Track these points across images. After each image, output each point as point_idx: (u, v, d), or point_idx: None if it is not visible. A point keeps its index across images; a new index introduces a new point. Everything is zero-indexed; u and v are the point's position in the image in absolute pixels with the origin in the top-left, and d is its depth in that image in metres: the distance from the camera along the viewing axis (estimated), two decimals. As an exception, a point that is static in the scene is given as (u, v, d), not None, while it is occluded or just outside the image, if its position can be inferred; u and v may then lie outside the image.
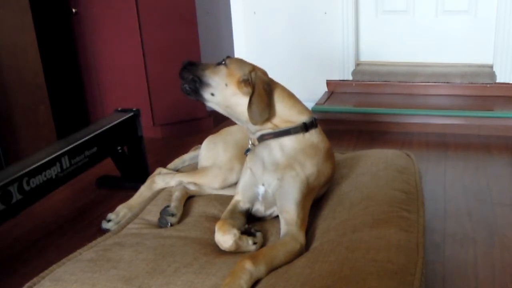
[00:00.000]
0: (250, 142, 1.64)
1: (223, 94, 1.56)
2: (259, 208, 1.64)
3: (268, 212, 1.65)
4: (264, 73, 1.62)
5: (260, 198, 1.62)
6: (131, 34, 3.34)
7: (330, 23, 3.78)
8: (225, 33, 3.95)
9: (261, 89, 1.53)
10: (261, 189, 1.61)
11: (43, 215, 2.49)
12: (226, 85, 1.56)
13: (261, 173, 1.59)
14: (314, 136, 1.60)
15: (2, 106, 2.79)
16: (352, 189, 1.77)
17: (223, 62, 1.59)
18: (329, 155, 1.66)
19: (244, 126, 1.63)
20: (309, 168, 1.56)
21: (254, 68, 1.58)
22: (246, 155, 1.68)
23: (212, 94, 1.58)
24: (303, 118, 1.59)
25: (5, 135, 2.81)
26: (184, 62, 1.64)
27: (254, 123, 1.53)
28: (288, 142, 1.56)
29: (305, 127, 1.58)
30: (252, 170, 1.62)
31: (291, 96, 1.62)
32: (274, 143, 1.57)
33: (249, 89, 1.53)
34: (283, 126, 1.56)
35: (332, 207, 1.69)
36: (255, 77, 1.54)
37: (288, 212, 1.52)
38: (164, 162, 2.28)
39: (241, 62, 1.60)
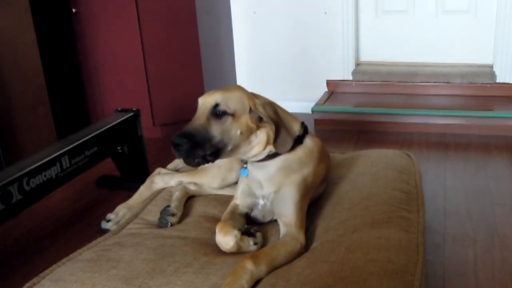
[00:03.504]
0: (245, 165, 1.58)
1: (239, 142, 1.44)
2: (257, 215, 1.64)
3: (267, 219, 1.64)
4: (262, 99, 1.52)
5: (260, 207, 1.61)
6: (131, 34, 3.34)
7: (330, 23, 3.78)
8: (225, 33, 3.95)
9: (274, 118, 1.45)
10: (261, 202, 1.60)
11: (43, 215, 2.49)
12: (241, 133, 1.43)
13: (260, 190, 1.57)
14: (308, 143, 1.58)
15: (2, 106, 2.79)
16: (352, 189, 1.77)
17: (220, 112, 1.40)
18: (322, 156, 1.65)
19: (245, 157, 1.53)
20: (305, 170, 1.55)
21: (254, 99, 1.47)
22: (242, 176, 1.60)
23: (231, 149, 1.44)
24: (296, 130, 1.55)
25: (5, 135, 2.81)
26: (181, 142, 1.36)
27: (283, 151, 1.48)
28: (284, 156, 1.53)
29: (299, 140, 1.55)
30: (250, 187, 1.60)
31: (284, 111, 1.58)
32: (271, 162, 1.53)
33: (271, 126, 1.44)
34: None
35: (332, 207, 1.69)
36: (264, 110, 1.44)
37: (286, 216, 1.52)
38: (164, 162, 2.28)
39: (237, 99, 1.44)
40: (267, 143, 1.48)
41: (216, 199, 1.86)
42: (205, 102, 1.44)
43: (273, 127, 1.45)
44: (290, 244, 1.44)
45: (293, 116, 1.60)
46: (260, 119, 1.46)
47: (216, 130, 1.40)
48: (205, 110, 1.42)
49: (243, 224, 1.59)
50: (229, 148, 1.43)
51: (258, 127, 1.46)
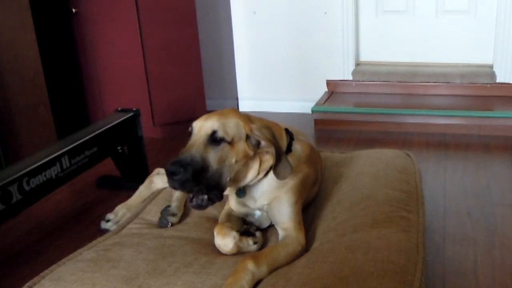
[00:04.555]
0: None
1: (236, 170, 1.39)
2: (254, 223, 1.63)
3: (264, 226, 1.64)
4: (258, 122, 1.45)
5: (256, 217, 1.61)
6: (131, 34, 3.34)
7: (330, 23, 3.78)
8: (225, 33, 3.95)
9: (273, 142, 1.39)
10: (257, 213, 1.59)
11: (43, 215, 2.49)
12: (236, 161, 1.37)
13: (254, 204, 1.56)
14: (297, 149, 1.57)
15: (2, 106, 2.79)
16: (352, 189, 1.77)
17: (218, 138, 1.34)
18: (312, 159, 1.63)
19: (241, 185, 1.48)
20: (297, 176, 1.54)
21: (250, 124, 1.40)
22: (239, 197, 1.54)
23: (230, 180, 1.40)
24: (284, 141, 1.52)
25: (5, 135, 2.81)
26: (177, 172, 1.29)
27: (282, 179, 1.42)
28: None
29: (288, 149, 1.53)
30: (245, 203, 1.58)
31: (273, 124, 1.53)
32: (264, 179, 1.50)
33: (271, 148, 1.38)
34: (270, 161, 1.44)
35: (332, 207, 1.69)
36: (261, 133, 1.38)
37: (284, 223, 1.51)
38: (164, 162, 2.26)
39: (234, 124, 1.38)
40: (260, 168, 1.45)
41: (216, 199, 1.85)
42: (201, 127, 1.36)
43: (274, 150, 1.38)
44: (291, 245, 1.44)
45: (278, 125, 1.56)
46: (258, 146, 1.41)
47: (213, 158, 1.33)
48: (201, 136, 1.35)
49: (242, 225, 1.58)
50: (227, 179, 1.37)
51: (256, 154, 1.42)
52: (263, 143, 1.40)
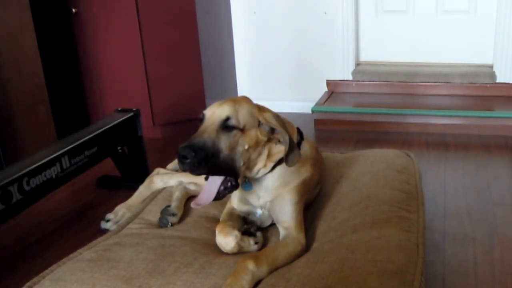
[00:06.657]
0: (246, 179, 1.53)
1: (248, 157, 1.41)
2: (255, 221, 1.63)
3: (265, 225, 1.64)
4: (270, 112, 1.47)
5: (257, 215, 1.61)
6: (131, 34, 3.34)
7: (330, 23, 3.78)
8: (225, 33, 3.95)
9: (286, 129, 1.42)
10: (259, 212, 1.60)
11: (43, 215, 2.49)
12: (249, 148, 1.39)
13: (257, 201, 1.56)
14: (306, 149, 1.58)
15: (2, 106, 2.79)
16: (352, 189, 1.77)
17: (230, 125, 1.36)
18: (317, 160, 1.65)
19: (250, 174, 1.49)
20: (302, 176, 1.55)
21: (263, 112, 1.43)
22: (245, 190, 1.55)
23: (243, 166, 1.41)
24: (295, 138, 1.53)
25: (5, 135, 2.81)
26: (189, 155, 1.29)
27: (291, 166, 1.44)
28: (282, 167, 1.49)
29: (298, 147, 1.53)
30: (247, 198, 1.58)
31: (287, 121, 1.54)
32: (270, 174, 1.51)
33: (284, 136, 1.40)
34: (279, 154, 1.47)
35: (332, 207, 1.69)
36: (277, 121, 1.41)
37: (285, 222, 1.52)
38: (164, 162, 2.28)
39: (247, 112, 1.40)
40: (269, 159, 1.47)
41: (216, 199, 1.86)
42: (214, 114, 1.37)
43: (287, 137, 1.39)
44: (291, 245, 1.44)
45: (290, 122, 1.58)
46: (271, 133, 1.43)
47: (224, 144, 1.34)
48: (214, 122, 1.36)
49: (242, 224, 1.58)
50: (241, 164, 1.38)
51: (269, 140, 1.44)
52: (278, 129, 1.41)
